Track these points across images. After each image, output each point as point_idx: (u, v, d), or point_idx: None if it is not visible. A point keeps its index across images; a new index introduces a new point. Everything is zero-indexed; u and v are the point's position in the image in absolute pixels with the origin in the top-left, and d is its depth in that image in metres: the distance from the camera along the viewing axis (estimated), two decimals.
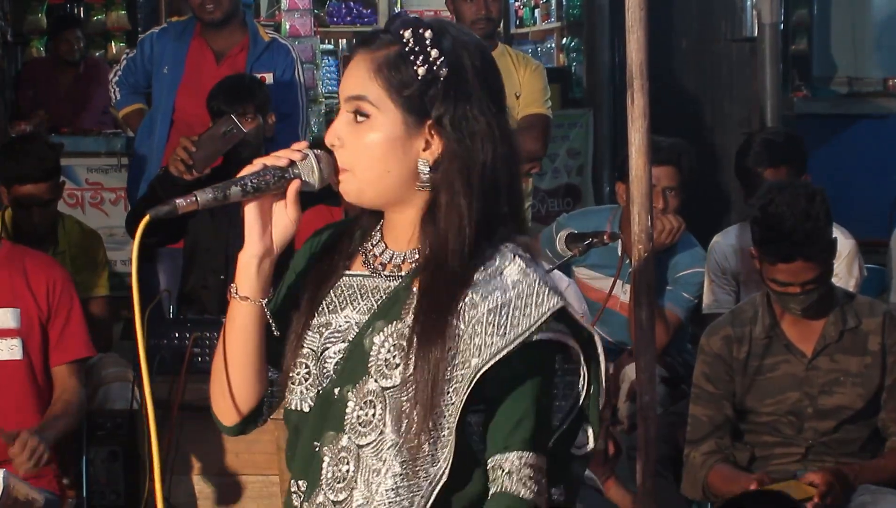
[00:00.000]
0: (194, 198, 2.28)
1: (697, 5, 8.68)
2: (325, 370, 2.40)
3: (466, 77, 2.35)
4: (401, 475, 2.31)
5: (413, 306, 2.34)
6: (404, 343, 2.32)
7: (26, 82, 9.69)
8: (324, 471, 2.37)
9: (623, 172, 5.37)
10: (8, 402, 4.60)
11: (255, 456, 4.88)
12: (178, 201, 2.27)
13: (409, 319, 2.33)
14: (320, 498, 2.37)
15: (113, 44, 10.29)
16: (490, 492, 2.35)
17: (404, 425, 2.30)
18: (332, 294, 2.42)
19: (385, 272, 2.40)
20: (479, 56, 2.37)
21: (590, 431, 2.42)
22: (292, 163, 2.35)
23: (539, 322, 2.29)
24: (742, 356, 4.45)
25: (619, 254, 5.39)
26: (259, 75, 6.10)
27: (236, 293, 2.37)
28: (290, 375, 2.42)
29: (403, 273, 2.39)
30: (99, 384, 5.32)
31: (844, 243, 5.27)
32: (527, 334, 2.28)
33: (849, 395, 4.39)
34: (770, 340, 4.44)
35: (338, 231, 2.50)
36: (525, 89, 6.15)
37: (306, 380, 2.41)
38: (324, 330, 2.41)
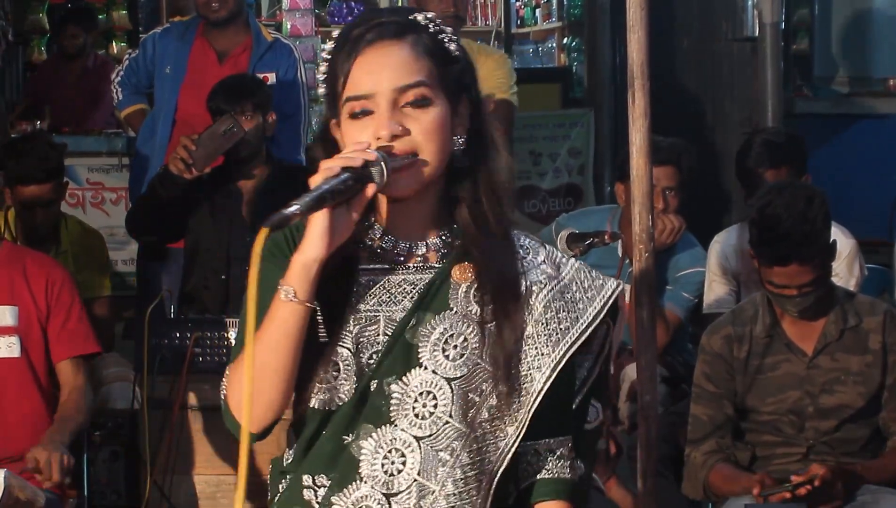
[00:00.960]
0: (298, 209, 2.21)
1: (698, 5, 8.68)
2: (360, 366, 2.38)
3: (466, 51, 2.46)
4: (469, 464, 2.34)
5: (461, 295, 2.37)
6: (466, 334, 2.35)
7: (35, 83, 9.68)
8: (363, 465, 2.36)
9: (622, 173, 5.37)
10: (7, 400, 4.60)
11: (256, 456, 4.88)
12: (285, 212, 2.20)
13: (461, 308, 2.36)
14: (362, 491, 2.36)
15: (114, 43, 10.30)
16: (541, 475, 2.43)
17: (472, 414, 2.34)
18: (353, 292, 2.40)
19: (410, 264, 2.40)
20: None
21: (598, 405, 2.47)
22: (366, 164, 2.29)
23: (608, 305, 2.40)
24: (743, 355, 4.45)
25: (620, 254, 5.39)
26: (262, 75, 6.10)
27: (294, 297, 2.29)
28: (318, 375, 2.39)
29: (435, 264, 2.40)
30: (100, 384, 5.32)
31: (845, 242, 5.27)
32: (600, 317, 2.39)
33: (850, 394, 4.39)
34: (771, 339, 4.44)
35: None
36: (486, 79, 6.15)
37: (335, 379, 2.39)
38: (353, 327, 2.39)
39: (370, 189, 2.29)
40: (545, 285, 2.39)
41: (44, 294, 4.68)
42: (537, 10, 11.40)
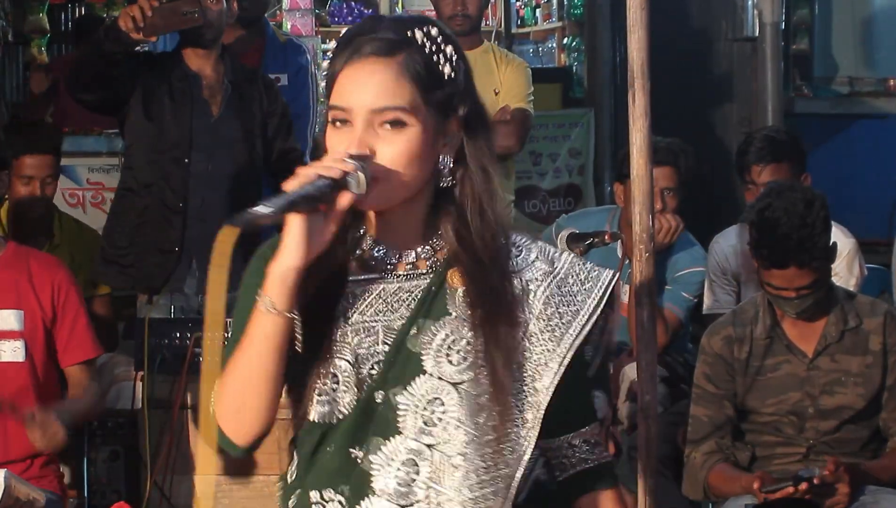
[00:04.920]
0: (269, 210, 2.15)
1: (698, 5, 8.68)
2: (361, 377, 2.36)
3: (469, 67, 2.41)
4: (484, 468, 2.33)
5: (459, 300, 2.36)
6: (467, 338, 2.34)
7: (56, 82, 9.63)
8: (376, 478, 2.34)
9: (621, 173, 5.37)
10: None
11: (256, 456, 4.88)
12: (254, 211, 2.15)
13: (460, 312, 2.36)
14: (377, 506, 2.34)
15: None
16: (583, 466, 2.46)
17: (483, 418, 2.33)
18: (344, 303, 2.38)
19: (399, 272, 2.39)
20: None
21: (602, 395, 2.57)
22: (344, 175, 2.24)
23: (606, 294, 2.41)
24: (743, 356, 4.45)
25: (620, 255, 5.39)
26: (273, 76, 6.08)
27: (272, 308, 2.25)
28: (316, 387, 2.37)
29: (424, 271, 2.39)
30: (111, 384, 5.31)
31: (845, 242, 5.27)
32: (601, 307, 2.40)
33: (850, 395, 4.39)
34: (771, 340, 4.44)
35: None
36: (505, 85, 6.16)
37: (334, 391, 2.36)
38: (352, 339, 2.37)
39: (345, 197, 2.25)
40: (542, 282, 2.39)
41: (50, 298, 4.67)
42: (537, 10, 11.39)
